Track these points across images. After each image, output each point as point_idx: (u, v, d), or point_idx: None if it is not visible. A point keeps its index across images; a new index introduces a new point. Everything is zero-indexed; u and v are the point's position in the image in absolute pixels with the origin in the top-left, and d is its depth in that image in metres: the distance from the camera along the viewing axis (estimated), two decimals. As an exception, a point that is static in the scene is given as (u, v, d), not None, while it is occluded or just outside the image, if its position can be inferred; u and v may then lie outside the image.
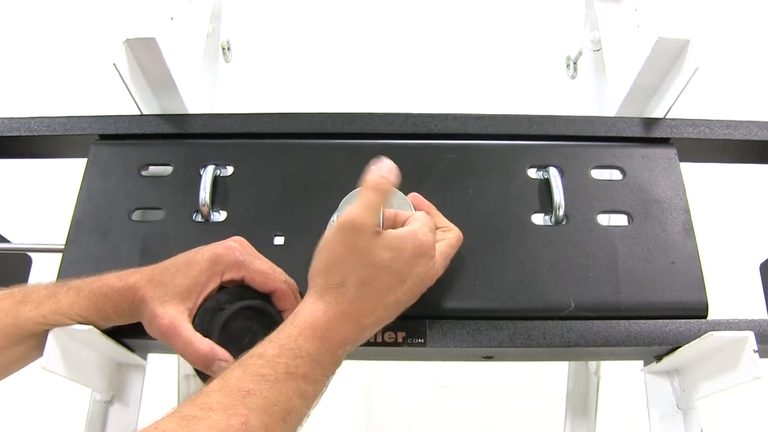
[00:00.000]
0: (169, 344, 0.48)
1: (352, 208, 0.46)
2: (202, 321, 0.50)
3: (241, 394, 0.40)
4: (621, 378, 0.93)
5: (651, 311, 0.58)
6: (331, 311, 0.45)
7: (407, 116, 0.67)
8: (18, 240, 0.76)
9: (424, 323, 0.56)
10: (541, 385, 1.32)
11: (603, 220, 0.62)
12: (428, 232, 0.50)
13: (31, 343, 0.52)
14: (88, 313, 0.51)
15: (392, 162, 0.50)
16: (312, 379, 0.43)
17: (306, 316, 0.45)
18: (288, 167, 0.65)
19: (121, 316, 0.52)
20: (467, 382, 1.39)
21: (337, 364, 0.46)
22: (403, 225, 0.51)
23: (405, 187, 0.61)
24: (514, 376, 1.38)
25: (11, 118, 0.70)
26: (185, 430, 0.38)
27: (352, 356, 0.67)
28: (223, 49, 0.92)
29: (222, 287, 0.51)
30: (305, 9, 1.88)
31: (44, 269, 0.70)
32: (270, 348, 0.43)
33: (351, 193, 0.55)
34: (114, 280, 0.51)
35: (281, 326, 0.45)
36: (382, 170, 0.48)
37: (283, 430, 0.41)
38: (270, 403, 0.40)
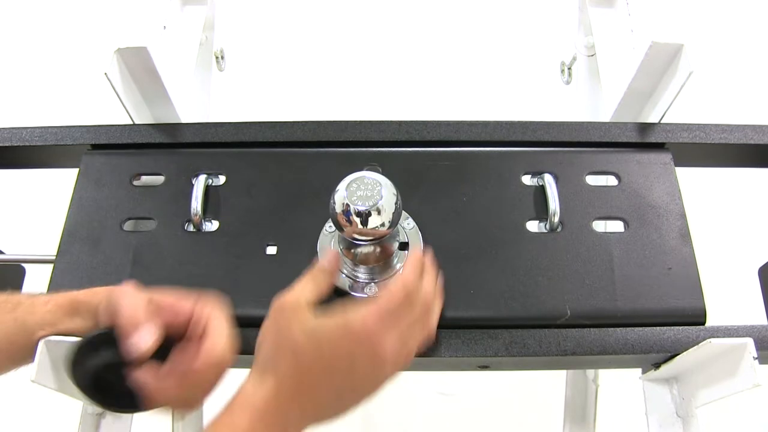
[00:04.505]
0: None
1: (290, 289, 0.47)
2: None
3: None
4: (620, 385, 0.92)
5: (648, 318, 0.57)
6: (259, 391, 0.44)
7: (400, 124, 0.67)
8: (11, 251, 0.75)
9: (419, 333, 0.56)
10: (539, 393, 1.32)
11: (599, 226, 0.62)
12: (376, 321, 0.43)
13: (8, 352, 0.51)
14: (59, 309, 0.50)
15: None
16: None
17: (241, 392, 0.44)
18: (280, 176, 0.64)
19: (91, 319, 0.50)
20: (466, 389, 1.38)
21: None
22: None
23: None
24: (513, 384, 1.37)
25: (3, 128, 0.70)
26: None
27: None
28: (217, 57, 0.92)
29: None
30: (298, 17, 1.88)
31: (38, 280, 0.70)
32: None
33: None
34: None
35: (225, 406, 0.44)
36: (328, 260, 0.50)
37: None
38: None
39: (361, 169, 0.51)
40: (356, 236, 0.49)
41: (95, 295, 0.51)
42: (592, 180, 0.64)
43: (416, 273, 0.47)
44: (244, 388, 0.44)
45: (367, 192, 0.48)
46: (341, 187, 0.49)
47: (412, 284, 0.46)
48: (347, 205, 0.48)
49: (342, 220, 0.48)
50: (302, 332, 0.44)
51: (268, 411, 0.43)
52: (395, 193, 0.49)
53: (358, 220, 0.48)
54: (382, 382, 0.46)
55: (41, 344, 0.51)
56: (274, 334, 0.45)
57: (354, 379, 0.44)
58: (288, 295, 0.46)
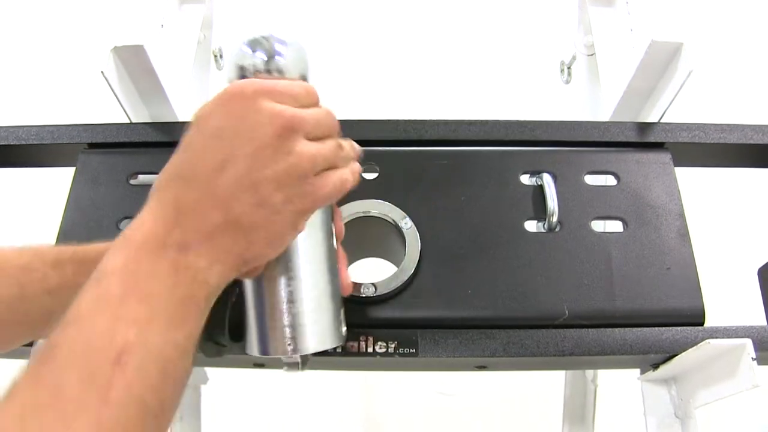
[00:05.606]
0: None
1: None
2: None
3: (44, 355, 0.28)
4: (618, 386, 0.92)
5: (647, 319, 0.57)
6: (144, 223, 0.35)
7: (398, 122, 0.67)
8: (7, 250, 0.75)
9: (416, 333, 0.55)
10: (538, 393, 1.32)
11: (597, 226, 0.61)
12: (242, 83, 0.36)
13: (39, 322, 0.44)
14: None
15: None
16: (138, 295, 0.31)
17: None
18: (278, 175, 0.64)
19: None
20: (466, 389, 1.38)
21: (188, 270, 0.33)
22: None
23: (396, 195, 0.61)
24: (513, 384, 1.37)
25: (-1, 126, 0.70)
26: None
27: (346, 367, 0.66)
28: (215, 56, 0.91)
29: None
30: (297, 16, 1.88)
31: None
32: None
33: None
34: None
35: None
36: None
37: (121, 378, 0.28)
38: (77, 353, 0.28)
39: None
40: None
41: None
42: (590, 179, 0.64)
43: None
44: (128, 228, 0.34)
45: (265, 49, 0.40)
46: (234, 47, 0.40)
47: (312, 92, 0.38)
48: (241, 67, 0.39)
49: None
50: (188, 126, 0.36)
51: (150, 238, 0.33)
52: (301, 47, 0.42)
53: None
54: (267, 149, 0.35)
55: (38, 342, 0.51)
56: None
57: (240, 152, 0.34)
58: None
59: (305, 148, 0.36)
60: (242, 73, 0.39)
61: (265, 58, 0.39)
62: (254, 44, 0.39)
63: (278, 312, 0.41)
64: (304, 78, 0.41)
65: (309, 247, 0.42)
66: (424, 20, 1.87)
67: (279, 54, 0.39)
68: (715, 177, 1.20)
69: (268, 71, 0.39)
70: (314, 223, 0.42)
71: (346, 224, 0.58)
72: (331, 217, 0.45)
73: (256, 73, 0.39)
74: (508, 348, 0.55)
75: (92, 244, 0.45)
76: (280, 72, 0.39)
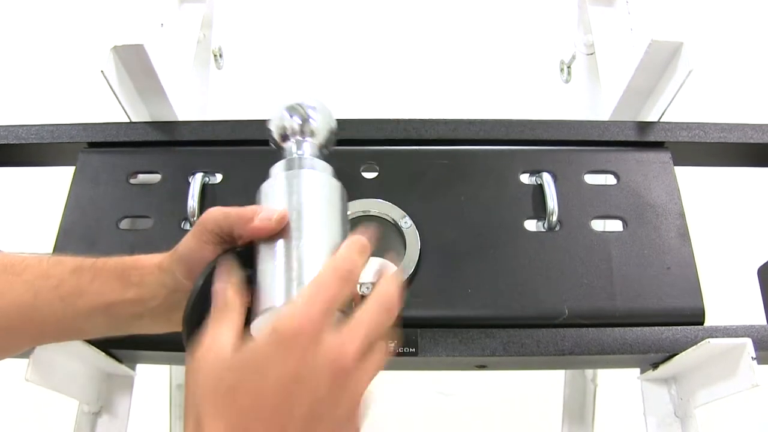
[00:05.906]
0: None
1: None
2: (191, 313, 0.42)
3: None
4: (618, 385, 0.92)
5: (646, 318, 0.57)
6: None
7: (398, 121, 0.67)
8: (8, 249, 0.75)
9: (416, 332, 0.55)
10: (538, 392, 1.31)
11: (597, 225, 0.61)
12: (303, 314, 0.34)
13: (47, 329, 0.45)
14: (110, 284, 0.44)
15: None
16: None
17: None
18: (278, 174, 0.64)
19: (147, 285, 0.44)
20: (466, 389, 1.38)
21: None
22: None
23: (396, 194, 0.61)
24: (513, 383, 1.37)
25: (-1, 126, 0.70)
26: None
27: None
28: (215, 55, 0.91)
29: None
30: (297, 15, 1.88)
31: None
32: None
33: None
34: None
35: None
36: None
37: None
38: None
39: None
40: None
41: (148, 263, 0.45)
42: (590, 179, 0.64)
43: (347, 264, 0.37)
44: None
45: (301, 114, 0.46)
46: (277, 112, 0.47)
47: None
48: (282, 127, 0.46)
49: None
50: (230, 369, 0.34)
51: None
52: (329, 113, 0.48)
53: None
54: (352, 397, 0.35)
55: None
56: (196, 397, 0.34)
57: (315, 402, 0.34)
58: (200, 349, 0.36)
59: (359, 388, 0.36)
60: (283, 132, 0.46)
61: (301, 122, 0.46)
62: (291, 110, 0.47)
63: (288, 269, 0.40)
64: (332, 132, 0.47)
65: (324, 215, 0.43)
66: (425, 19, 1.87)
67: (311, 118, 0.46)
68: (715, 177, 1.21)
69: (303, 132, 0.46)
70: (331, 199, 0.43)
71: None
72: (346, 205, 0.45)
73: (294, 133, 0.46)
74: (508, 347, 0.55)
75: (114, 257, 0.45)
76: (312, 132, 0.46)
